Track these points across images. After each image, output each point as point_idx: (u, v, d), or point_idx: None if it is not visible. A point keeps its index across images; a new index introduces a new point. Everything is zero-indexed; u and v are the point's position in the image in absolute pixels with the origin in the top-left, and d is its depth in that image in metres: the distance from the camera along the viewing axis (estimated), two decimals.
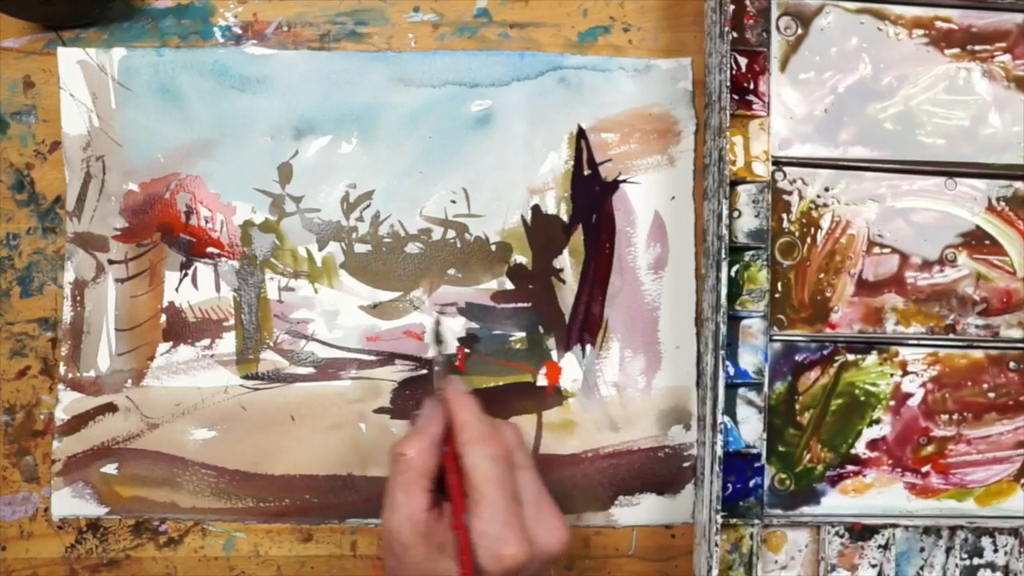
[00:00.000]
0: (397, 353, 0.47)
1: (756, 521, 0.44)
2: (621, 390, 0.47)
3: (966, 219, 0.47)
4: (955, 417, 0.47)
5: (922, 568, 0.46)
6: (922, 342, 0.47)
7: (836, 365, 0.46)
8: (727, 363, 0.44)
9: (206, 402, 0.47)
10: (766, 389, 0.45)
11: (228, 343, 0.47)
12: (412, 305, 0.47)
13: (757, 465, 0.45)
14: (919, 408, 0.47)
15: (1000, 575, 0.45)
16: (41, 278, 0.47)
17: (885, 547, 0.45)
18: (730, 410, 0.45)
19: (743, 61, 0.46)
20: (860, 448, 0.46)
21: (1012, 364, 0.47)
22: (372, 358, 0.47)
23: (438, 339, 0.46)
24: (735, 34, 0.45)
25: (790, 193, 0.46)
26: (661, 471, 0.47)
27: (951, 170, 0.47)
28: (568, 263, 0.48)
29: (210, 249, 0.47)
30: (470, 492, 0.36)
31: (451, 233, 0.48)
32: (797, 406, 0.46)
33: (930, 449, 0.47)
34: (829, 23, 0.47)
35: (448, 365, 0.45)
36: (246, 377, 0.47)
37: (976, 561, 0.46)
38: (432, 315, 0.47)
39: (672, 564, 0.47)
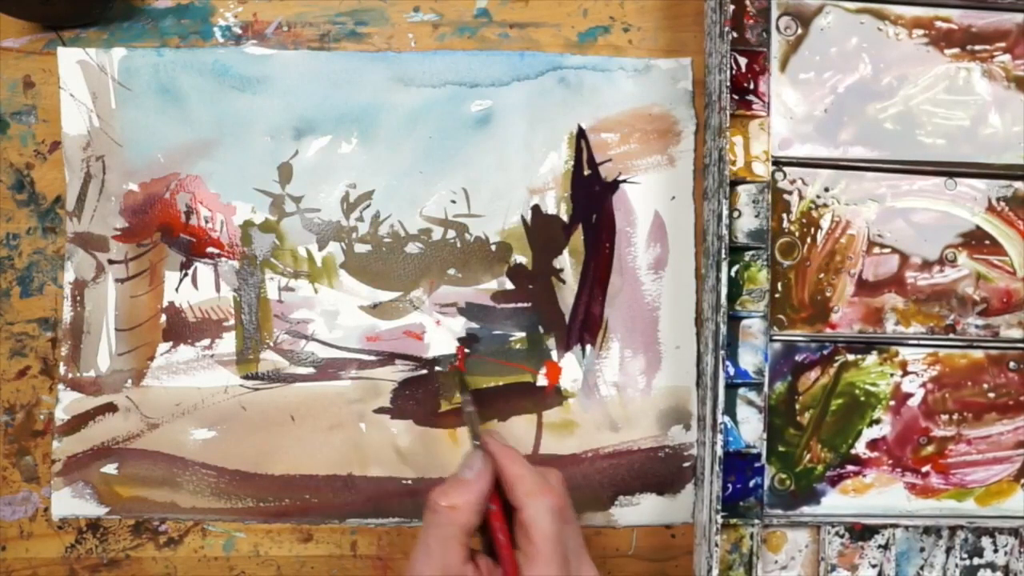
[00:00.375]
0: (397, 353, 0.47)
1: (756, 521, 0.44)
2: (621, 390, 0.47)
3: (966, 219, 0.47)
4: (955, 417, 0.47)
5: (922, 568, 0.46)
6: (922, 342, 0.47)
7: (836, 365, 0.46)
8: (727, 363, 0.44)
9: (206, 402, 0.47)
10: (766, 389, 0.45)
11: (228, 343, 0.47)
12: (412, 305, 0.47)
13: (757, 465, 0.45)
14: (919, 408, 0.47)
15: (1000, 575, 0.45)
16: (41, 278, 0.47)
17: (885, 547, 0.45)
18: (730, 410, 0.45)
19: (743, 61, 0.46)
20: (860, 448, 0.46)
21: (1012, 364, 0.47)
22: (372, 358, 0.47)
23: (463, 387, 0.46)
24: (735, 34, 0.45)
25: (790, 193, 0.46)
26: (661, 471, 0.47)
27: (951, 170, 0.47)
28: (568, 263, 0.48)
29: (210, 249, 0.47)
30: (524, 546, 0.35)
31: (451, 233, 0.48)
32: (797, 406, 0.46)
33: (930, 449, 0.47)
34: (829, 23, 0.47)
35: (477, 413, 0.44)
36: (246, 377, 0.47)
37: (976, 561, 0.46)
38: (449, 367, 0.47)
39: (672, 564, 0.47)
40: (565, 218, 0.48)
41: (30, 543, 0.46)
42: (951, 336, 0.47)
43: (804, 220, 0.47)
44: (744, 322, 0.45)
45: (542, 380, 0.47)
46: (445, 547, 0.35)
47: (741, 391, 0.45)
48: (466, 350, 0.47)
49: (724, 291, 0.43)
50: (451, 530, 0.35)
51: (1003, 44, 0.47)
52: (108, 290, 0.47)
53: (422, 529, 0.36)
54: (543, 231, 0.48)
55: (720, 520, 0.42)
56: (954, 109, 0.47)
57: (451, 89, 0.48)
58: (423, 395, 0.47)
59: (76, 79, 0.47)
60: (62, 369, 0.47)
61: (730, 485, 0.45)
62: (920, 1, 0.47)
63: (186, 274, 0.47)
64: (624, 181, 0.48)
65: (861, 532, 0.45)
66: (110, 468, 0.46)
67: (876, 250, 0.47)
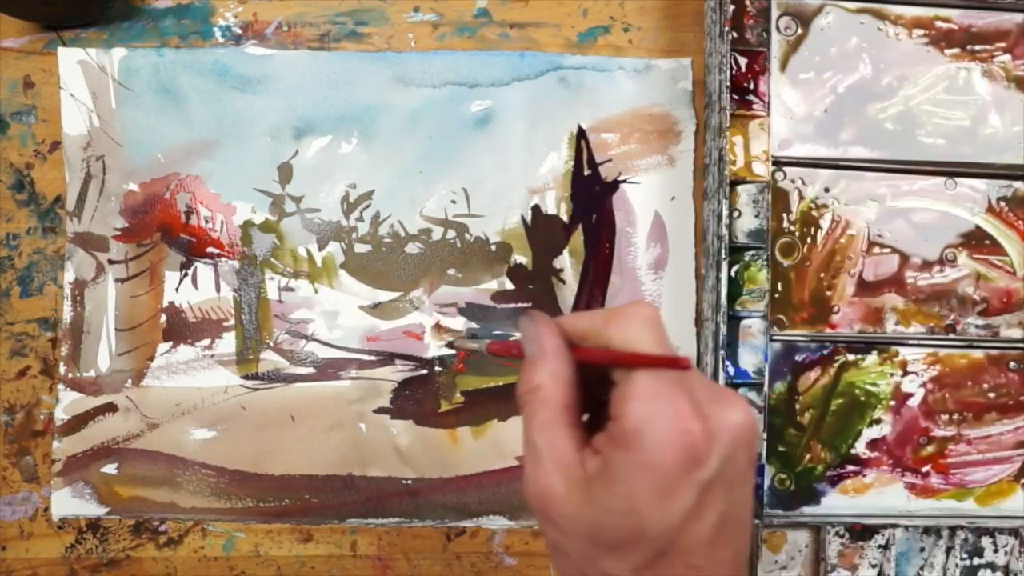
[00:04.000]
0: (397, 353, 0.47)
1: (756, 521, 0.44)
2: None
3: (966, 219, 0.47)
4: (955, 417, 0.47)
5: (922, 568, 0.46)
6: (922, 342, 0.47)
7: (836, 365, 0.46)
8: (727, 363, 0.44)
9: (206, 402, 0.47)
10: (766, 389, 0.45)
11: (228, 343, 0.47)
12: (412, 305, 0.47)
13: (757, 465, 0.45)
14: (919, 408, 0.47)
15: (1000, 575, 0.45)
16: (41, 278, 0.47)
17: (885, 547, 0.45)
18: None
19: (743, 61, 0.46)
20: (860, 448, 0.46)
21: (1012, 364, 0.47)
22: (372, 358, 0.47)
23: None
24: (735, 34, 0.45)
25: (790, 193, 0.46)
26: None
27: (951, 170, 0.47)
28: (568, 263, 0.48)
29: (210, 249, 0.47)
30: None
31: (451, 233, 0.48)
32: (797, 406, 0.46)
33: (930, 449, 0.47)
34: (829, 23, 0.47)
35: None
36: (246, 377, 0.47)
37: (976, 561, 0.45)
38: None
39: None
40: (565, 218, 0.48)
41: (30, 543, 0.46)
42: (951, 336, 0.47)
43: (804, 220, 0.47)
44: (744, 322, 0.45)
45: None
46: (549, 438, 0.28)
47: (741, 391, 0.45)
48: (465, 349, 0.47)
49: (724, 291, 0.43)
50: (546, 414, 0.28)
51: (1003, 44, 0.47)
52: (108, 290, 0.47)
53: (523, 434, 0.29)
54: (543, 231, 0.48)
55: None
56: (954, 109, 0.47)
57: (451, 89, 0.48)
58: (423, 395, 0.47)
59: (76, 79, 0.47)
60: (62, 369, 0.47)
61: None
62: (920, 1, 0.47)
63: (186, 274, 0.47)
64: (624, 181, 0.48)
65: (861, 532, 0.45)
66: (110, 468, 0.46)
67: (876, 250, 0.47)
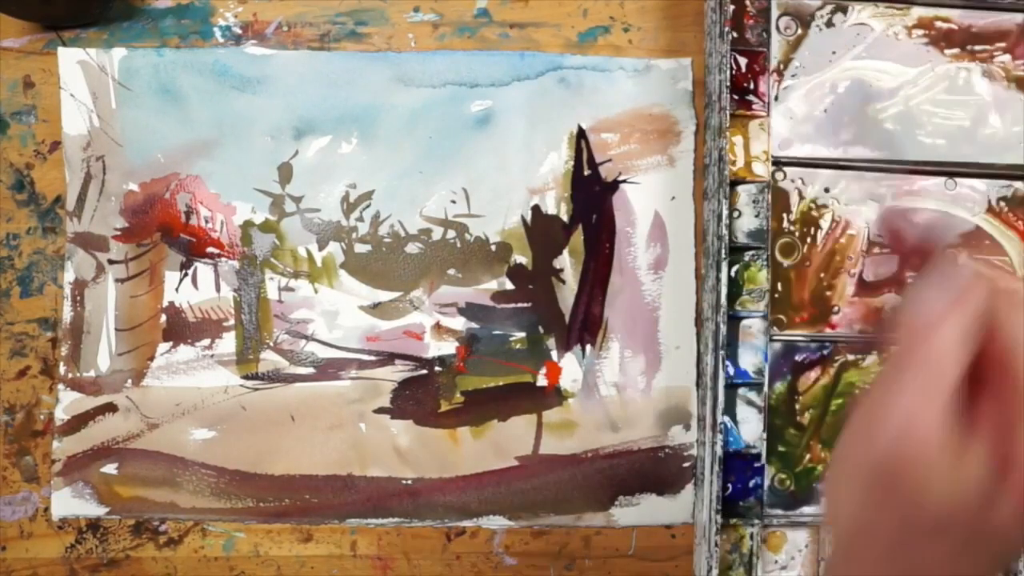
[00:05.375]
0: (397, 353, 0.47)
1: (756, 521, 0.44)
2: (621, 390, 0.47)
3: (966, 219, 0.47)
4: None
5: None
6: None
7: (836, 365, 0.46)
8: (727, 363, 0.44)
9: (206, 402, 0.47)
10: (766, 389, 0.45)
11: (228, 343, 0.47)
12: (412, 305, 0.47)
13: (757, 465, 0.45)
14: None
15: (999, 574, 0.45)
16: (41, 278, 0.47)
17: None
18: (730, 410, 0.45)
19: (743, 61, 0.46)
20: None
21: None
22: (372, 358, 0.47)
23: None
24: (735, 34, 0.45)
25: (790, 193, 0.46)
26: (661, 471, 0.47)
27: (951, 170, 0.47)
28: (568, 263, 0.48)
29: (210, 249, 0.47)
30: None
31: (451, 233, 0.48)
32: (797, 406, 0.46)
33: None
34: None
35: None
36: (246, 377, 0.47)
37: None
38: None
39: (672, 564, 0.47)
40: (565, 218, 0.48)
41: (30, 543, 0.46)
42: None
43: (804, 220, 0.47)
44: (744, 322, 0.45)
45: (542, 380, 0.47)
46: (926, 394, 0.24)
47: (741, 391, 0.45)
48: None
49: (724, 291, 0.43)
50: (930, 374, 0.24)
51: (1003, 44, 0.47)
52: (108, 290, 0.47)
53: (881, 381, 0.26)
54: (543, 231, 0.48)
55: (720, 520, 0.42)
56: (954, 109, 0.47)
57: (451, 89, 0.48)
58: (423, 395, 0.47)
59: (76, 79, 0.47)
60: (62, 369, 0.47)
61: (730, 485, 0.44)
62: (920, 1, 0.47)
63: (186, 274, 0.47)
64: (624, 181, 0.48)
65: None
66: (110, 468, 0.46)
67: (876, 250, 0.47)
